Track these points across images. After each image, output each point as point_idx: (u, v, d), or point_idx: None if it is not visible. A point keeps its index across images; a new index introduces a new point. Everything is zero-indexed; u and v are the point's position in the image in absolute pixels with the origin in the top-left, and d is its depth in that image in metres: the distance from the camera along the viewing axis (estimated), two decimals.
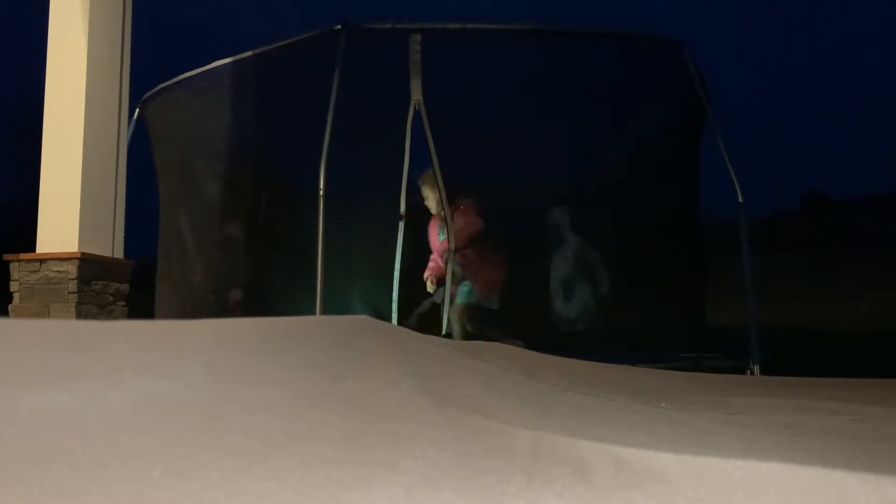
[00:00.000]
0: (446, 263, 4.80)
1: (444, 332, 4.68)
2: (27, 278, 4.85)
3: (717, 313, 6.29)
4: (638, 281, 5.23)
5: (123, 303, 5.24)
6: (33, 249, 4.91)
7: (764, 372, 4.64)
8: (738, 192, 5.10)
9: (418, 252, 5.27)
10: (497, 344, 3.34)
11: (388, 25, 5.20)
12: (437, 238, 5.22)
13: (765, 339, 4.97)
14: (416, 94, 4.88)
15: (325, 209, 4.71)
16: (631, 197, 5.54)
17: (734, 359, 4.90)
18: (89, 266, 4.89)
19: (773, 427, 1.79)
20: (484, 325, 4.83)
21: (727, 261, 5.34)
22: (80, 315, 4.75)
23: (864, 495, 1.04)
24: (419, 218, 5.26)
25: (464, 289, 4.97)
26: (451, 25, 5.31)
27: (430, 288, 5.18)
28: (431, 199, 5.19)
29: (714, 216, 9.73)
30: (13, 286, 4.91)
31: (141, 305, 5.93)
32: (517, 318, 5.05)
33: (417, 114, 4.87)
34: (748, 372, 4.71)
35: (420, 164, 5.00)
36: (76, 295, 4.78)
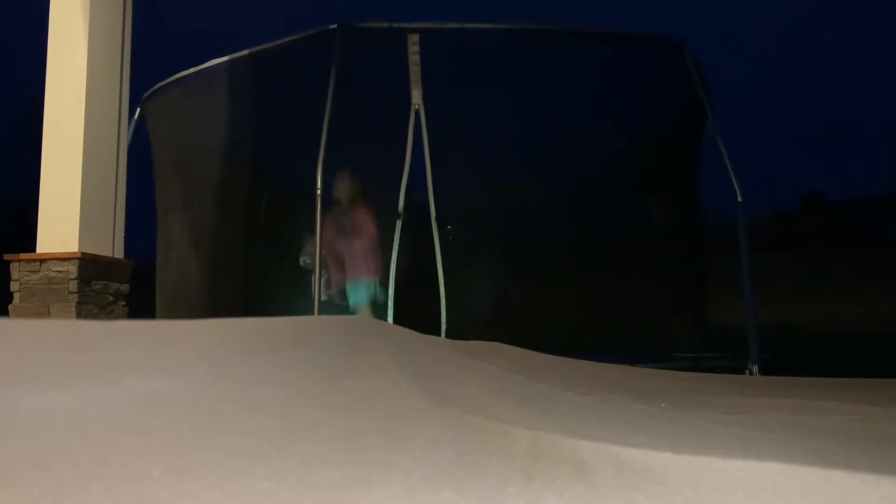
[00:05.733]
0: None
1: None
2: (27, 278, 4.84)
3: (718, 313, 6.29)
4: (636, 280, 5.22)
5: (123, 303, 5.24)
6: (33, 249, 4.90)
7: (764, 372, 4.64)
8: (738, 191, 5.11)
9: (417, 251, 5.25)
10: (497, 344, 3.34)
11: (385, 25, 5.17)
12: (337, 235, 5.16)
13: (765, 339, 4.96)
14: (416, 100, 4.87)
15: (322, 208, 4.70)
16: (631, 196, 5.54)
17: (734, 359, 4.90)
18: (89, 266, 4.88)
19: (772, 427, 1.79)
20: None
21: (728, 260, 5.34)
22: (81, 315, 4.74)
23: (864, 495, 1.04)
24: (418, 217, 5.24)
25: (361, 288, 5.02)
26: (449, 25, 5.28)
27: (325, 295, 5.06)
28: (344, 197, 5.17)
29: (714, 216, 9.72)
30: (13, 286, 4.90)
31: (141, 305, 5.93)
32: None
33: (416, 117, 4.87)
34: (748, 372, 4.72)
35: (418, 162, 5.00)
36: (76, 295, 4.77)
